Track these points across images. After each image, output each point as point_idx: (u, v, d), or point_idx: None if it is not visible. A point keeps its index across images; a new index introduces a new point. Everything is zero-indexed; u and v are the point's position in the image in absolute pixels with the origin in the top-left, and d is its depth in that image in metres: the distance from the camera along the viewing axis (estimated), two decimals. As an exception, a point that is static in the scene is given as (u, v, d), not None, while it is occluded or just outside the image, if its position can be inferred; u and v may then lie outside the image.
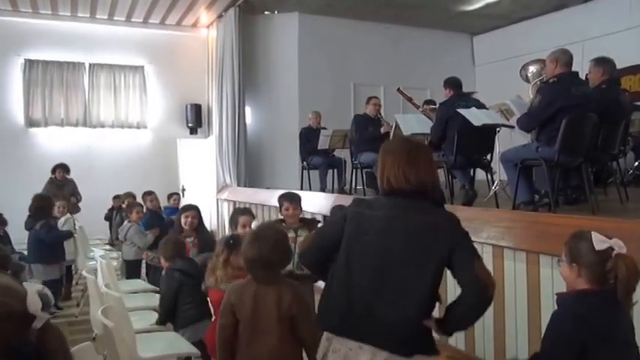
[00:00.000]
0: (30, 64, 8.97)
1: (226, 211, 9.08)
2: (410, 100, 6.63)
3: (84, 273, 4.23)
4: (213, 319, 3.06)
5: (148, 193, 6.24)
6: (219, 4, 9.07)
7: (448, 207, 2.26)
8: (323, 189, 7.30)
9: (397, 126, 5.74)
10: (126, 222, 5.75)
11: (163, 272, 3.64)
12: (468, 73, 9.49)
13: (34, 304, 1.24)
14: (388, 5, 8.89)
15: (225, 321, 2.28)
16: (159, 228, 5.59)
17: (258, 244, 2.25)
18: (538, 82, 4.72)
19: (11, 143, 8.80)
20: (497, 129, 5.01)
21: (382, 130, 6.48)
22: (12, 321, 1.22)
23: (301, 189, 7.41)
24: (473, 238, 2.00)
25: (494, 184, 5.02)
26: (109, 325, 2.66)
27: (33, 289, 1.34)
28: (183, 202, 8.08)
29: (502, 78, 8.48)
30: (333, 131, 7.02)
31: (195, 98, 10.06)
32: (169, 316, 3.51)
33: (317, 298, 2.16)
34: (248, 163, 9.31)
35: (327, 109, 8.11)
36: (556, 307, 1.92)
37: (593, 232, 1.86)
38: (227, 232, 3.66)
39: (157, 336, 3.48)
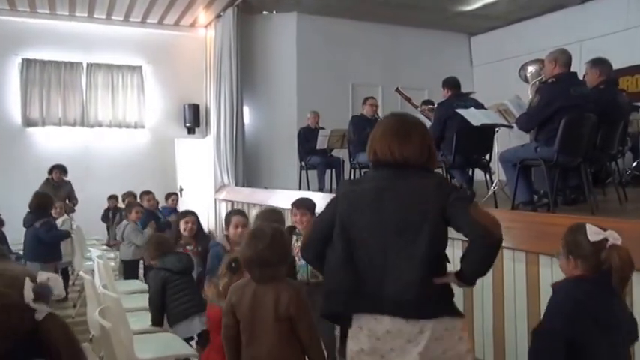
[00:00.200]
0: (27, 63, 8.93)
1: (224, 212, 9.04)
2: (409, 100, 6.63)
3: (81, 273, 4.20)
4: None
5: (146, 193, 6.22)
6: (218, 4, 9.05)
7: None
8: (321, 189, 7.29)
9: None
10: (124, 221, 5.74)
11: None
12: (465, 73, 9.47)
13: (27, 295, 1.23)
14: (386, 5, 8.87)
15: (227, 321, 2.27)
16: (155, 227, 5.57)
17: (254, 243, 2.22)
18: (537, 82, 4.72)
19: (8, 143, 8.76)
20: (496, 129, 5.01)
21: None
22: (13, 312, 1.21)
23: (299, 189, 7.40)
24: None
25: (493, 185, 5.01)
26: (107, 326, 2.64)
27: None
28: (182, 201, 8.07)
29: (499, 78, 8.52)
30: (331, 131, 7.01)
31: (193, 98, 10.03)
32: (159, 314, 3.50)
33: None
34: (246, 163, 9.29)
35: (326, 109, 8.09)
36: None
37: (587, 224, 1.93)
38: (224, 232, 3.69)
39: (154, 337, 3.46)
